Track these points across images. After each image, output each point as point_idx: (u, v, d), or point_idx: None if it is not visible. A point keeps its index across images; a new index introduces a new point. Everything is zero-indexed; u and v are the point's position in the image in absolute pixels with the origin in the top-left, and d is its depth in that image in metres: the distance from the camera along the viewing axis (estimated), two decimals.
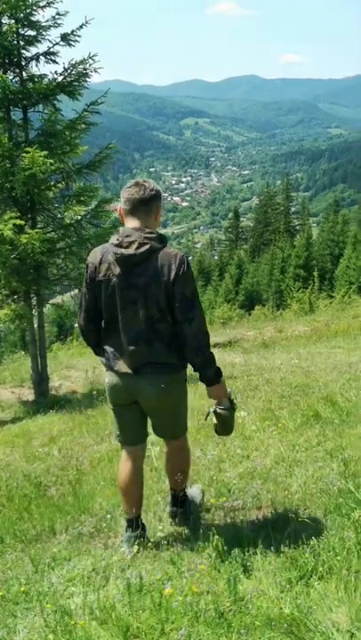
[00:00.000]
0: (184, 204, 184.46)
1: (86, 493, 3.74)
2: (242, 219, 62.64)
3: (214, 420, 2.80)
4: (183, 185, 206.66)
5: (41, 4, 7.45)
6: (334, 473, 3.34)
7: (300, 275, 32.86)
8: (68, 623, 2.17)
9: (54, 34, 7.67)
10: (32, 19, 7.47)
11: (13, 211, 7.47)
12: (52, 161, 6.90)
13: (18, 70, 7.74)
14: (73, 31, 7.62)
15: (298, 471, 3.49)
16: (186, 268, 2.51)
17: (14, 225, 6.87)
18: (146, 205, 2.57)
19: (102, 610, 2.22)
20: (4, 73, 7.53)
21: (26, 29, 7.56)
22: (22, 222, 6.97)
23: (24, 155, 6.81)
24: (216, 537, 2.53)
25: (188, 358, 2.61)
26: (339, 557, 2.30)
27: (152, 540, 2.80)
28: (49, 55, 7.72)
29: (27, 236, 6.81)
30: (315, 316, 16.17)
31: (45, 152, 6.77)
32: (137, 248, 2.48)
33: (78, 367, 11.20)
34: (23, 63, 7.73)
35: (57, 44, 7.66)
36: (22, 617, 2.43)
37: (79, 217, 8.12)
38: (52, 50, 7.72)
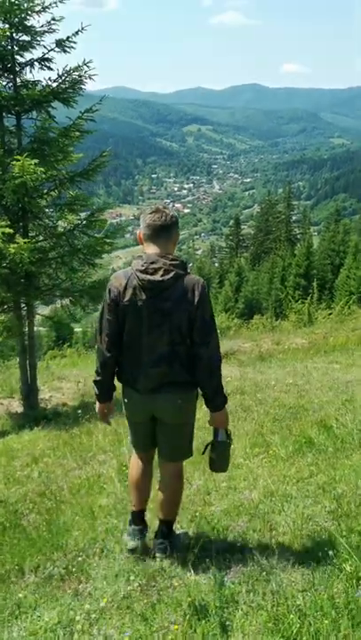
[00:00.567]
0: (186, 210, 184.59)
1: (62, 526, 3.51)
2: (243, 226, 62.54)
3: (212, 454, 2.86)
4: (185, 192, 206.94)
5: (36, 8, 7.27)
6: (326, 511, 3.12)
7: (301, 284, 32.68)
8: None
9: (49, 39, 7.48)
10: (26, 23, 7.28)
11: (3, 219, 7.27)
12: (42, 169, 6.70)
13: (11, 76, 7.54)
14: (68, 37, 7.43)
15: (287, 507, 3.27)
16: (206, 293, 2.68)
17: (3, 234, 6.67)
18: (167, 232, 2.72)
19: None
20: None
21: (20, 34, 7.38)
22: (11, 231, 6.76)
23: (14, 163, 6.62)
24: (194, 590, 2.30)
25: (200, 380, 2.71)
26: (327, 620, 2.08)
27: (123, 592, 2.56)
28: (43, 61, 7.53)
29: (15, 245, 6.60)
30: (313, 327, 15.95)
31: (36, 160, 6.57)
32: (163, 275, 2.62)
33: (70, 378, 10.96)
34: (17, 69, 7.54)
35: (52, 49, 7.47)
36: None
37: (72, 226, 7.92)
38: (46, 56, 7.53)
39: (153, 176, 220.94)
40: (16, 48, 7.45)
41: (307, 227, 52.02)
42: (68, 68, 7.37)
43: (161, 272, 2.63)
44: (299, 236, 48.19)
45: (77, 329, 45.54)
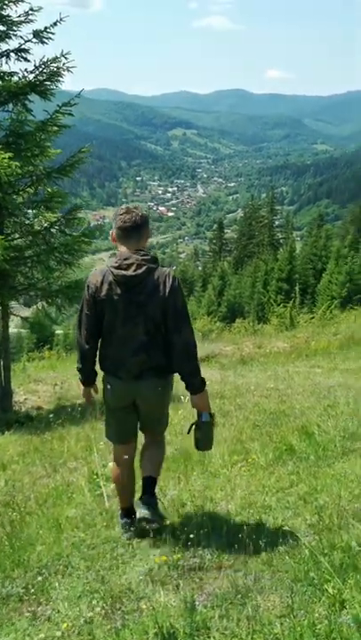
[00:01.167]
0: (170, 213, 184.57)
1: (25, 540, 3.27)
2: (226, 230, 62.55)
3: (197, 434, 3.05)
4: (169, 195, 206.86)
5: None
6: (307, 525, 2.93)
7: (283, 288, 32.71)
8: None
9: (26, 30, 7.22)
10: (2, 13, 7.04)
11: None
12: (17, 163, 6.45)
13: None
14: (46, 28, 7.20)
15: (266, 520, 3.07)
16: (176, 284, 2.87)
17: None
18: (138, 231, 2.93)
19: None
20: None
21: None
22: None
23: None
24: (162, 615, 2.09)
25: (176, 366, 2.90)
26: None
27: (85, 616, 2.33)
28: (20, 52, 7.27)
29: None
30: (295, 331, 15.85)
31: (10, 154, 6.33)
32: (135, 269, 2.82)
33: (47, 381, 10.66)
34: None
35: (29, 40, 7.23)
36: None
37: (49, 224, 7.67)
38: (23, 47, 7.28)
39: (137, 179, 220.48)
40: None
41: (289, 231, 52.23)
42: (45, 60, 7.13)
43: (134, 267, 2.82)
44: (281, 241, 48.31)
45: (59, 331, 45.02)
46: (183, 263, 65.86)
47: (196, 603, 2.29)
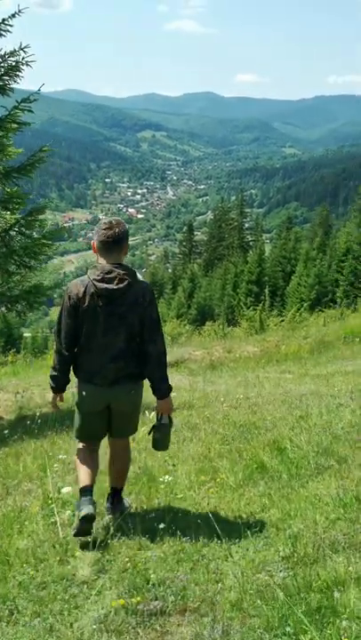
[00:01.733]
0: (139, 215, 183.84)
1: None
2: (196, 233, 62.53)
3: (155, 435, 3.27)
4: (139, 197, 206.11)
5: None
6: (280, 557, 2.67)
7: (253, 290, 32.74)
8: None
9: None
10: None
11: None
12: None
13: None
14: (4, 20, 6.83)
15: (236, 551, 2.80)
16: (154, 296, 3.16)
17: None
18: (118, 245, 3.08)
19: None
20: None
21: None
22: None
23: None
24: None
25: (148, 372, 3.15)
26: None
27: None
28: None
29: None
30: (265, 335, 15.72)
31: None
32: (118, 283, 3.00)
33: (9, 389, 10.21)
34: None
35: None
36: None
37: (8, 225, 7.27)
38: None
39: (107, 180, 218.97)
40: None
41: (259, 234, 52.39)
42: (2, 53, 6.76)
43: (116, 281, 3.00)
44: (251, 243, 48.42)
45: (27, 334, 44.21)
46: (153, 265, 65.50)
47: None
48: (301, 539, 2.79)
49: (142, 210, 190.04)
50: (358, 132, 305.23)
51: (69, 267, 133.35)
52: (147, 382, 3.22)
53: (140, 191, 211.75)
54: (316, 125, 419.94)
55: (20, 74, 6.89)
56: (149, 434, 3.32)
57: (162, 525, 3.03)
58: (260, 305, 19.54)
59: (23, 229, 7.48)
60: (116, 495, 3.38)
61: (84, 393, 3.17)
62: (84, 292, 3.04)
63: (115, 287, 2.99)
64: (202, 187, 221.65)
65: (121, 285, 2.99)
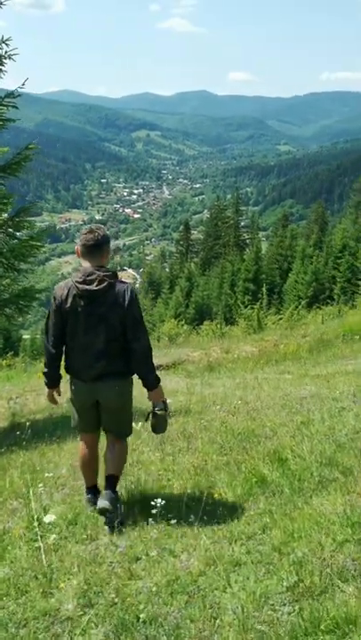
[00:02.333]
0: (136, 215, 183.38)
1: None
2: (193, 231, 62.21)
3: (152, 420, 3.47)
4: (135, 197, 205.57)
5: None
6: (284, 587, 2.42)
7: (250, 288, 32.52)
8: None
9: None
10: None
11: None
12: None
13: None
14: None
15: (235, 580, 2.55)
16: (135, 296, 3.25)
17: None
18: (99, 249, 3.28)
19: None
20: None
21: None
22: None
23: None
24: None
25: (135, 368, 3.32)
26: None
27: None
28: None
29: None
30: (263, 334, 15.48)
31: None
32: (98, 284, 3.16)
33: (2, 394, 9.97)
34: None
35: None
36: None
37: None
38: None
39: (102, 181, 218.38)
40: None
41: (255, 232, 52.19)
42: None
43: (96, 282, 3.17)
44: (248, 241, 48.23)
45: (26, 335, 43.92)
46: (150, 265, 65.21)
47: None
48: (307, 565, 2.54)
49: (139, 210, 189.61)
50: (352, 128, 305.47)
51: (67, 268, 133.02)
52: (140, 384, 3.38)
53: (135, 191, 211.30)
54: (309, 122, 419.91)
55: (3, 68, 6.63)
56: (146, 420, 3.55)
57: (154, 553, 2.78)
58: (258, 303, 19.31)
59: (10, 230, 7.23)
60: (110, 482, 3.37)
61: (73, 387, 3.42)
62: (67, 293, 3.23)
63: (95, 288, 3.16)
64: (197, 185, 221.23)
65: (101, 286, 3.16)
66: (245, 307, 20.20)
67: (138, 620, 2.33)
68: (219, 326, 21.03)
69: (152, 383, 3.34)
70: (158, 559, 2.79)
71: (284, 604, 2.30)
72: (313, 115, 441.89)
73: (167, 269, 55.57)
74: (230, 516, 3.16)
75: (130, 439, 3.76)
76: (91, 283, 3.16)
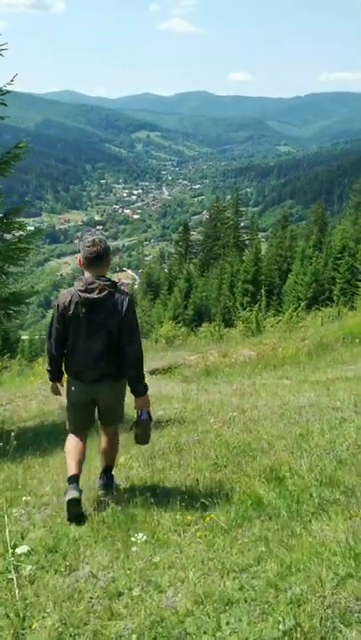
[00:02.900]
0: (135, 216, 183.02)
1: None
2: (192, 232, 62.03)
3: (137, 431, 3.65)
4: (134, 197, 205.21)
5: None
6: (280, 632, 2.17)
7: (249, 290, 32.30)
8: None
9: None
10: None
11: None
12: None
13: None
14: None
15: (226, 622, 2.30)
16: (132, 305, 3.49)
17: None
18: (100, 260, 3.50)
19: None
20: None
21: None
22: None
23: None
24: None
25: (126, 370, 3.55)
26: None
27: None
28: None
29: None
30: (262, 337, 15.21)
31: None
32: (98, 293, 3.41)
33: None
34: None
35: None
36: None
37: None
38: None
39: (102, 181, 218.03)
40: None
41: (255, 233, 51.94)
42: None
43: (97, 291, 3.42)
44: (247, 242, 47.95)
45: (24, 336, 43.61)
46: (149, 266, 64.94)
47: None
48: (305, 605, 2.29)
49: (138, 210, 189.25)
50: (352, 129, 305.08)
51: (66, 269, 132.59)
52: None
53: (135, 192, 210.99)
54: (309, 123, 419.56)
55: None
56: (131, 429, 3.71)
57: (137, 588, 2.53)
58: (257, 305, 19.04)
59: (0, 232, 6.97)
60: (107, 473, 3.87)
61: (73, 388, 3.67)
62: (70, 300, 3.48)
63: (96, 296, 3.42)
64: (197, 186, 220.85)
65: (101, 295, 3.41)
66: (244, 309, 19.94)
67: None
68: (217, 328, 20.79)
69: (140, 390, 3.57)
70: (142, 595, 2.54)
71: None
72: (313, 115, 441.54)
73: (166, 270, 55.31)
74: (222, 544, 2.91)
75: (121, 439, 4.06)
76: (92, 291, 3.42)
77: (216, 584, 2.56)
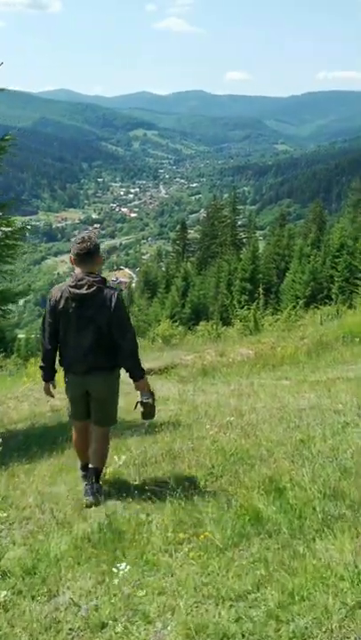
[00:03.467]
0: (132, 215, 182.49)
1: None
2: (190, 231, 61.73)
3: (141, 409, 3.81)
4: (132, 196, 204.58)
5: None
6: None
7: (247, 288, 32.06)
8: None
9: None
10: None
11: None
12: None
13: None
14: None
15: None
16: (120, 300, 3.65)
17: None
18: (91, 257, 3.69)
19: None
20: None
21: None
22: None
23: None
24: None
25: (122, 362, 3.73)
26: None
27: None
28: None
29: None
30: (260, 336, 14.93)
31: None
32: (87, 288, 3.58)
33: None
34: None
35: None
36: None
37: None
38: None
39: (99, 180, 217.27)
40: None
41: (252, 231, 51.73)
42: None
43: (86, 287, 3.55)
44: (244, 241, 47.70)
45: (21, 335, 43.33)
46: (146, 264, 64.69)
47: None
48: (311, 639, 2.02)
49: (135, 209, 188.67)
50: (349, 127, 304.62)
51: (63, 267, 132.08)
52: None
53: (132, 190, 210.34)
54: (307, 122, 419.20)
55: None
56: (135, 409, 3.86)
57: (121, 622, 2.26)
58: (255, 304, 18.77)
59: None
60: (95, 477, 3.79)
61: (67, 379, 3.84)
62: (61, 296, 3.61)
63: (85, 292, 3.54)
64: (194, 185, 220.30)
65: (90, 290, 3.53)
66: (242, 307, 19.66)
67: None
68: (214, 327, 20.51)
69: (138, 374, 3.72)
70: (128, 627, 2.27)
71: None
72: (310, 114, 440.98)
73: (163, 269, 55.03)
74: (218, 566, 2.64)
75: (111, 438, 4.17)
76: (81, 287, 3.54)
77: (210, 614, 2.30)
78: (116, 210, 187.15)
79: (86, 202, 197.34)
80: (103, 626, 2.33)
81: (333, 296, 27.48)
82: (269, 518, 3.03)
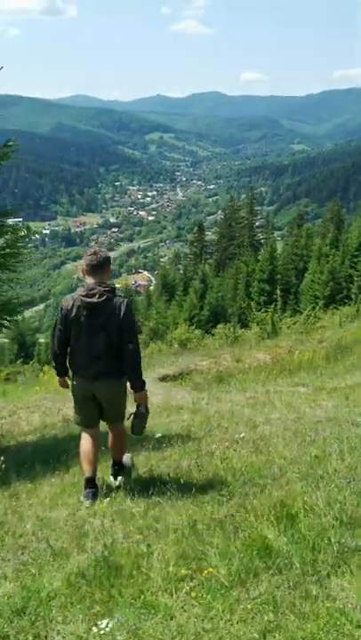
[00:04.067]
0: (150, 218, 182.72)
1: None
2: (207, 233, 61.46)
3: (133, 421, 3.97)
4: (149, 199, 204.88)
5: None
6: None
7: (265, 289, 31.72)
8: None
9: None
10: None
11: None
12: None
13: None
14: None
15: None
16: (129, 309, 3.86)
17: None
18: (101, 268, 3.92)
19: None
20: None
21: None
22: None
23: None
24: None
25: (126, 369, 3.88)
26: None
27: None
28: None
29: None
30: (277, 340, 14.62)
31: None
32: (98, 297, 3.80)
33: None
34: None
35: None
36: None
37: None
38: None
39: (116, 184, 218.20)
40: None
41: (270, 232, 51.32)
42: None
43: (97, 296, 3.79)
44: (262, 241, 47.31)
45: (42, 339, 43.46)
46: (164, 267, 64.54)
47: None
48: None
49: (153, 212, 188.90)
50: None
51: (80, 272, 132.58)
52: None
53: (150, 193, 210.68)
54: (323, 121, 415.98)
55: None
56: (128, 419, 4.00)
57: None
58: (273, 305, 18.41)
59: None
60: (117, 464, 4.25)
61: (75, 383, 4.01)
62: (72, 304, 3.83)
63: (96, 301, 3.76)
64: (211, 186, 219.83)
65: (101, 299, 3.76)
66: (259, 310, 19.34)
67: None
68: (232, 330, 20.19)
69: (138, 386, 3.86)
70: None
71: None
72: (326, 113, 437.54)
73: (181, 271, 54.83)
74: (222, 609, 2.39)
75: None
76: (92, 296, 3.76)
77: None
78: (134, 213, 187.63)
79: (104, 206, 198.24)
80: None
81: (353, 296, 26.98)
82: (280, 550, 2.77)
